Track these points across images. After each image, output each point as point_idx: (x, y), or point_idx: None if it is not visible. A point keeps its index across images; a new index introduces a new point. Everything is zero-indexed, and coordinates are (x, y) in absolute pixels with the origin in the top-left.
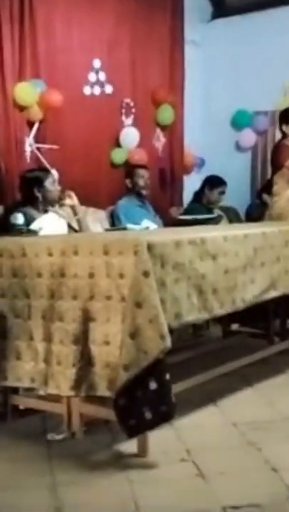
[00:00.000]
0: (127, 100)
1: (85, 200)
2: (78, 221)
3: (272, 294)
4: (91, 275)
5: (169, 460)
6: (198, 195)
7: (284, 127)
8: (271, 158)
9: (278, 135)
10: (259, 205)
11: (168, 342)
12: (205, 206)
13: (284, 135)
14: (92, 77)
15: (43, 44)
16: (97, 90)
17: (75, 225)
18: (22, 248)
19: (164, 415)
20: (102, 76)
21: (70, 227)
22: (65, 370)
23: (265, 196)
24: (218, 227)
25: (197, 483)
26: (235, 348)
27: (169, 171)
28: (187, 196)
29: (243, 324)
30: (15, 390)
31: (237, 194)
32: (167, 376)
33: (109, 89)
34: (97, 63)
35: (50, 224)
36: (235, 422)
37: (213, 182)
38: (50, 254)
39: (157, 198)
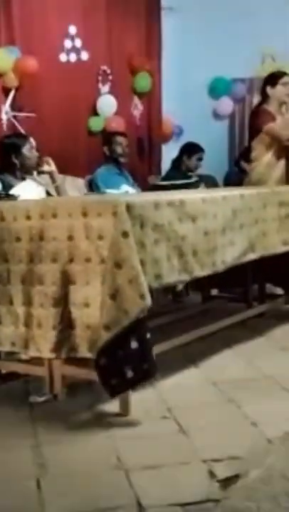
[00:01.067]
0: (104, 67)
1: (63, 169)
2: (57, 188)
3: (251, 256)
4: (70, 238)
5: (150, 418)
6: (176, 163)
7: (268, 89)
8: (249, 123)
9: (256, 102)
10: (237, 172)
11: (148, 301)
12: (183, 174)
13: (263, 99)
14: (67, 43)
15: (18, 10)
16: (73, 57)
17: (54, 192)
18: (0, 212)
19: (146, 373)
20: (77, 43)
21: (48, 194)
22: (46, 333)
23: (243, 163)
24: (196, 191)
25: (178, 439)
26: (214, 311)
27: (147, 140)
28: (166, 165)
29: (222, 290)
30: None
31: (215, 162)
32: (148, 335)
33: (85, 56)
34: (72, 30)
35: (28, 191)
36: (215, 382)
37: (191, 149)
38: (29, 218)
39: (136, 167)
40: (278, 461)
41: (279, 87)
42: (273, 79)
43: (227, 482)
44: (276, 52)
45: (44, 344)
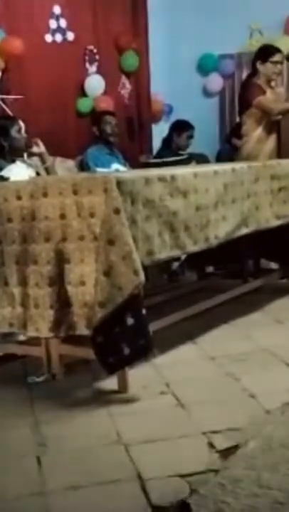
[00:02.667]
0: (90, 47)
1: (53, 150)
2: (47, 169)
3: (244, 230)
4: (62, 216)
5: (149, 394)
6: (166, 142)
7: (258, 64)
8: (239, 97)
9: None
10: (229, 149)
11: (142, 277)
12: (175, 152)
13: (253, 73)
14: (52, 24)
15: None
16: (58, 38)
17: (44, 174)
18: None
19: (143, 349)
20: (62, 23)
21: (38, 175)
22: (43, 312)
23: (234, 140)
24: (187, 166)
25: (177, 413)
26: (210, 288)
27: (137, 119)
28: (156, 144)
29: (217, 267)
30: None
31: (206, 140)
32: (143, 311)
33: (70, 36)
34: (57, 9)
35: (18, 173)
36: (212, 356)
37: (181, 126)
38: (19, 198)
39: (126, 146)
40: (277, 431)
41: (268, 65)
42: (264, 55)
43: (226, 452)
44: (263, 26)
45: (42, 323)
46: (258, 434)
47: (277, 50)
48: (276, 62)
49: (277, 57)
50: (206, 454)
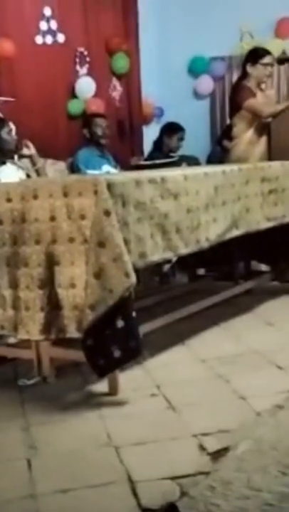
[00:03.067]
0: (81, 49)
1: (44, 153)
2: (37, 171)
3: (235, 232)
4: (52, 218)
5: (139, 396)
6: (157, 144)
7: (248, 66)
8: (230, 99)
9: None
10: (220, 151)
11: (133, 279)
12: (166, 154)
13: (243, 75)
14: (43, 25)
15: None
16: (49, 39)
17: (34, 176)
18: None
19: (133, 351)
20: (53, 25)
21: (28, 177)
22: (34, 314)
23: (225, 142)
24: (178, 168)
25: (168, 415)
26: (201, 290)
27: (128, 121)
28: (148, 146)
29: (208, 269)
30: None
31: (197, 142)
32: (134, 314)
33: (61, 38)
34: (47, 11)
35: (8, 175)
36: (203, 358)
37: (171, 129)
38: (9, 200)
39: (117, 149)
40: (267, 433)
41: (259, 67)
42: (254, 57)
43: (217, 455)
44: (254, 28)
45: (33, 326)
46: (249, 436)
47: (268, 53)
48: (266, 65)
49: (267, 60)
50: (196, 456)
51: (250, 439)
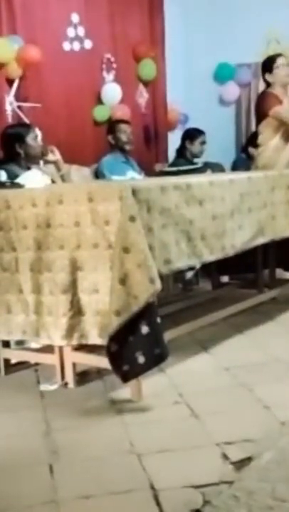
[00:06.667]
0: (108, 55)
1: (69, 159)
2: (62, 177)
3: (261, 240)
4: (77, 224)
5: (162, 403)
6: (180, 151)
7: (267, 76)
8: (256, 108)
9: (262, 87)
10: (245, 159)
11: (158, 285)
12: (189, 160)
13: (267, 84)
14: (70, 32)
15: None
16: (76, 46)
17: (59, 181)
18: (6, 201)
19: (157, 358)
20: (80, 31)
21: (53, 183)
22: (56, 320)
23: (250, 149)
24: (202, 175)
25: (191, 423)
26: (225, 298)
27: (153, 128)
28: (172, 153)
29: (232, 276)
30: (6, 344)
31: (222, 149)
32: (158, 319)
33: (88, 44)
34: (75, 18)
35: (33, 180)
36: (226, 367)
37: (192, 134)
38: (35, 205)
39: (142, 155)
40: None
41: (276, 71)
42: (268, 64)
43: (240, 464)
44: (281, 34)
45: (55, 331)
46: (273, 446)
47: (277, 55)
48: (281, 65)
49: (280, 61)
50: (219, 465)
51: (274, 448)
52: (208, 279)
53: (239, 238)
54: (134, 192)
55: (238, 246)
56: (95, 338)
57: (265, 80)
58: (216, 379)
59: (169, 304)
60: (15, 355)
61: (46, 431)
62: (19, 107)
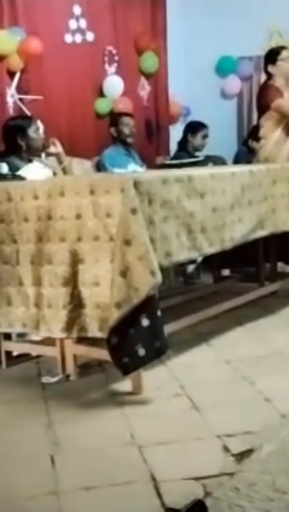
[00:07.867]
0: (110, 48)
1: (71, 151)
2: (64, 169)
3: (260, 233)
4: (78, 216)
5: (163, 396)
6: (182, 144)
7: (270, 67)
8: (257, 100)
9: (263, 79)
10: (246, 152)
11: (158, 277)
12: (191, 154)
13: (269, 76)
14: (72, 24)
15: None
16: (78, 38)
17: (61, 174)
18: (7, 193)
19: (158, 351)
20: (82, 23)
21: (55, 176)
22: (56, 312)
23: (252, 142)
24: (204, 168)
25: (192, 415)
26: (226, 291)
27: (155, 121)
28: (174, 146)
29: (233, 270)
30: (7, 337)
31: (224, 142)
32: (159, 312)
33: (90, 36)
34: (77, 10)
35: (34, 173)
36: (227, 359)
37: (195, 127)
38: (36, 198)
39: (144, 148)
40: None
41: (280, 63)
42: (272, 56)
43: (241, 456)
44: (283, 28)
45: (55, 324)
46: (274, 438)
47: (282, 48)
48: (286, 58)
49: (285, 54)
50: (220, 457)
51: (275, 440)
52: (210, 272)
53: (238, 231)
54: (135, 184)
55: (237, 239)
56: (95, 332)
57: (266, 72)
58: (216, 372)
59: (170, 297)
60: (16, 348)
61: (47, 423)
62: (21, 100)
